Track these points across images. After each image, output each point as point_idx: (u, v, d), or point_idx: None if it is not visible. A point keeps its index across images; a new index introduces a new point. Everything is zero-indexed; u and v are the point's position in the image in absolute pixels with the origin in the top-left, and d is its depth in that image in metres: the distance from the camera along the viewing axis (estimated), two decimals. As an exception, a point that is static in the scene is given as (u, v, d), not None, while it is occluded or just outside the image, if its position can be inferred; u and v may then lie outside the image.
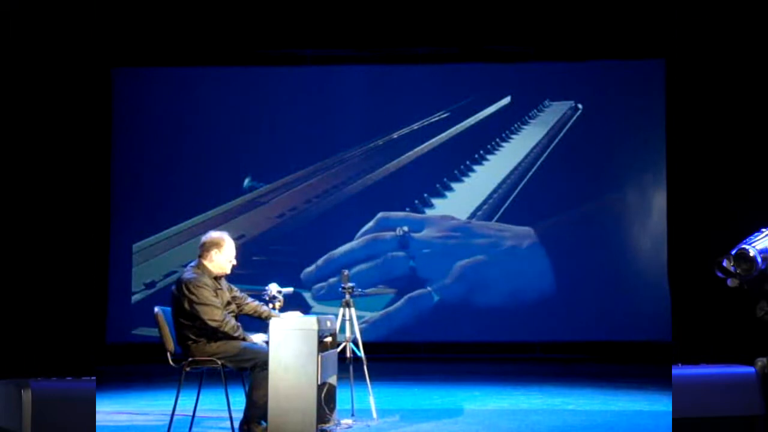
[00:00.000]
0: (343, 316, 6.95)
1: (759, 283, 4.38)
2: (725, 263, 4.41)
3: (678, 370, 5.78)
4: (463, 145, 12.20)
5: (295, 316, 6.01)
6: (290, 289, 6.26)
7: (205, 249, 6.05)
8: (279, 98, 12.26)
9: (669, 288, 10.59)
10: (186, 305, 5.83)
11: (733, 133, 8.89)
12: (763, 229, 4.48)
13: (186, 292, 5.83)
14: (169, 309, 6.09)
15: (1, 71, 8.08)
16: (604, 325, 11.76)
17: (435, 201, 12.13)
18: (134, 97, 12.22)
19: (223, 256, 6.05)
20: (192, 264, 6.06)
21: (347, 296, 6.97)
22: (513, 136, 12.25)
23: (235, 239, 6.23)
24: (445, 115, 12.21)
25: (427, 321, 11.88)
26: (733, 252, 4.41)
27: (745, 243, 4.42)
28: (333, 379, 6.22)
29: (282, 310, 6.13)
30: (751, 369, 5.64)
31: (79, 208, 8.76)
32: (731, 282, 4.45)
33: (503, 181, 12.12)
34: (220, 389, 5.90)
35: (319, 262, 11.87)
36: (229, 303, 6.06)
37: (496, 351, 11.72)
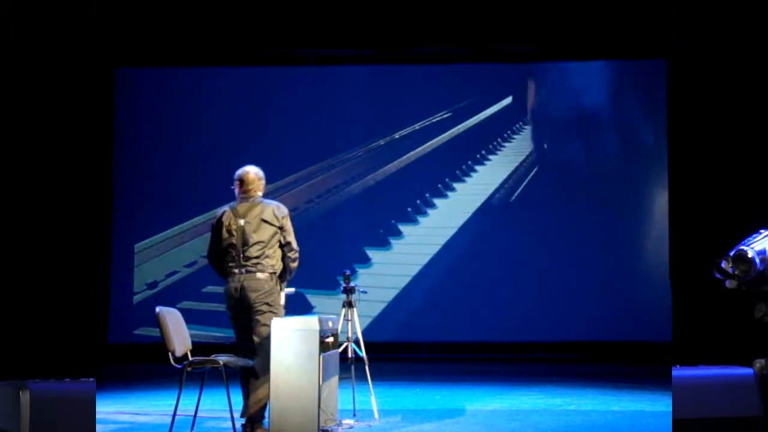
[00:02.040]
0: (345, 316, 6.98)
1: (757, 285, 4.38)
2: (724, 264, 4.42)
3: (677, 372, 5.79)
4: (465, 145, 12.21)
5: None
6: (292, 290, 6.28)
7: (263, 184, 6.22)
8: (281, 98, 12.26)
9: (671, 289, 10.58)
10: (288, 224, 6.08)
11: (734, 133, 8.88)
12: (762, 231, 4.48)
13: (282, 218, 6.07)
14: (171, 309, 6.11)
15: (3, 72, 8.09)
16: (605, 325, 11.76)
17: (437, 201, 12.14)
18: (136, 97, 12.24)
19: None
20: (262, 196, 6.20)
21: (349, 296, 7.00)
22: (515, 136, 12.25)
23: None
24: (446, 115, 12.22)
25: (428, 316, 11.90)
26: (732, 253, 4.42)
27: (743, 244, 4.42)
28: (334, 380, 6.23)
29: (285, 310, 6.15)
30: (749, 370, 5.65)
31: (81, 209, 8.77)
32: (729, 283, 4.45)
33: (505, 181, 12.12)
34: (222, 389, 5.92)
35: None
36: None
37: (497, 351, 11.73)
